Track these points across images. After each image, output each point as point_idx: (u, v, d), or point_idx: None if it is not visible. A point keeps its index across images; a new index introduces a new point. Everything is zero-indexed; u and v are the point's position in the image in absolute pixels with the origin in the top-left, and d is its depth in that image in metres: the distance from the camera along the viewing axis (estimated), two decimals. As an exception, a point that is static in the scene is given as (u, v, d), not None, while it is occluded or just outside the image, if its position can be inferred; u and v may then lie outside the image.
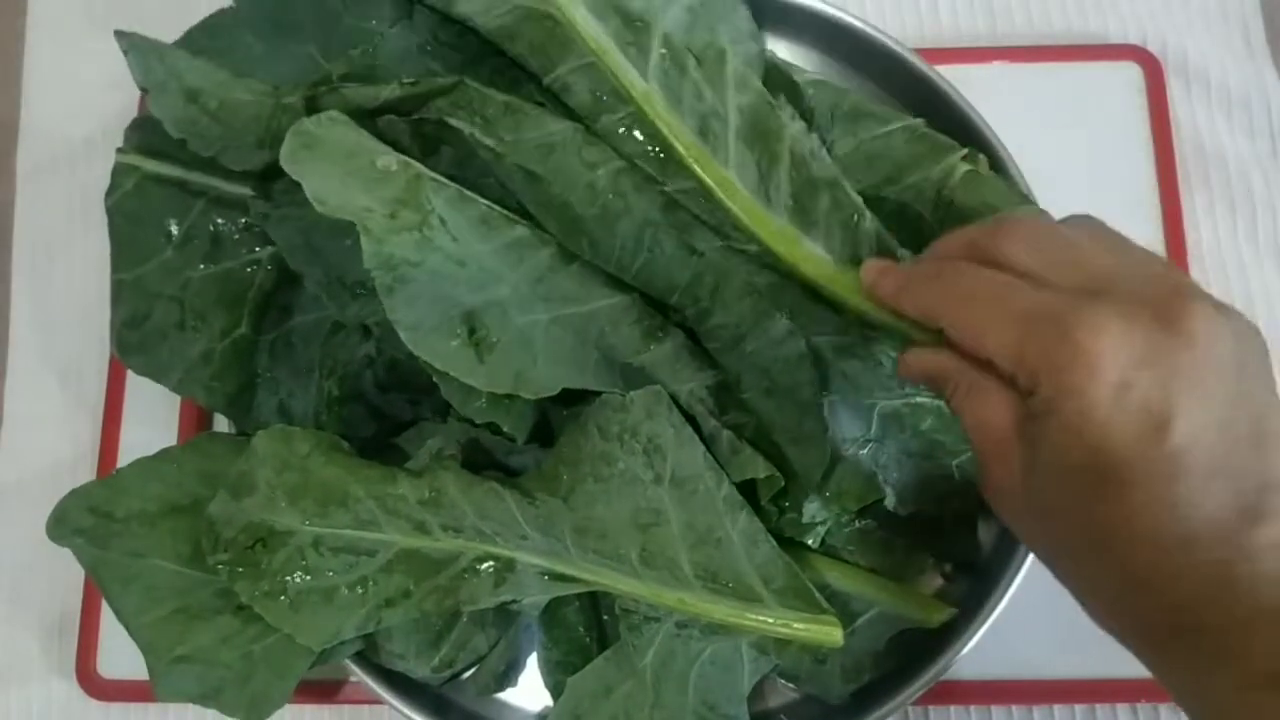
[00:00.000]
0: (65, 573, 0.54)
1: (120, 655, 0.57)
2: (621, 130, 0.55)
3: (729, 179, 0.53)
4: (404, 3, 0.59)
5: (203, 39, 0.62)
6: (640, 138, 0.55)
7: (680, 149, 0.53)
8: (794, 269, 0.54)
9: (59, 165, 0.74)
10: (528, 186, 0.52)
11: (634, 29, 0.54)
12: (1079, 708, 0.62)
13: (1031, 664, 0.62)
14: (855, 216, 0.54)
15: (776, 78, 0.60)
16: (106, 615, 0.55)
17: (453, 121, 0.53)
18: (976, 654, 0.56)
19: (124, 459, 0.66)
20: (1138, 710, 0.62)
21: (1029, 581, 0.56)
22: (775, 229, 0.53)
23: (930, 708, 0.63)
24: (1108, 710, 0.62)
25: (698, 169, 0.53)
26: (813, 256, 0.53)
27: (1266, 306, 0.67)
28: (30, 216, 0.73)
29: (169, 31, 0.61)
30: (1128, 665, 0.60)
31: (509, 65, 0.59)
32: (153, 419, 0.66)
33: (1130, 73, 0.70)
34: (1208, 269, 0.68)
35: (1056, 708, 0.62)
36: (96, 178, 0.61)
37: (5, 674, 0.66)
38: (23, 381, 0.71)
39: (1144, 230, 0.68)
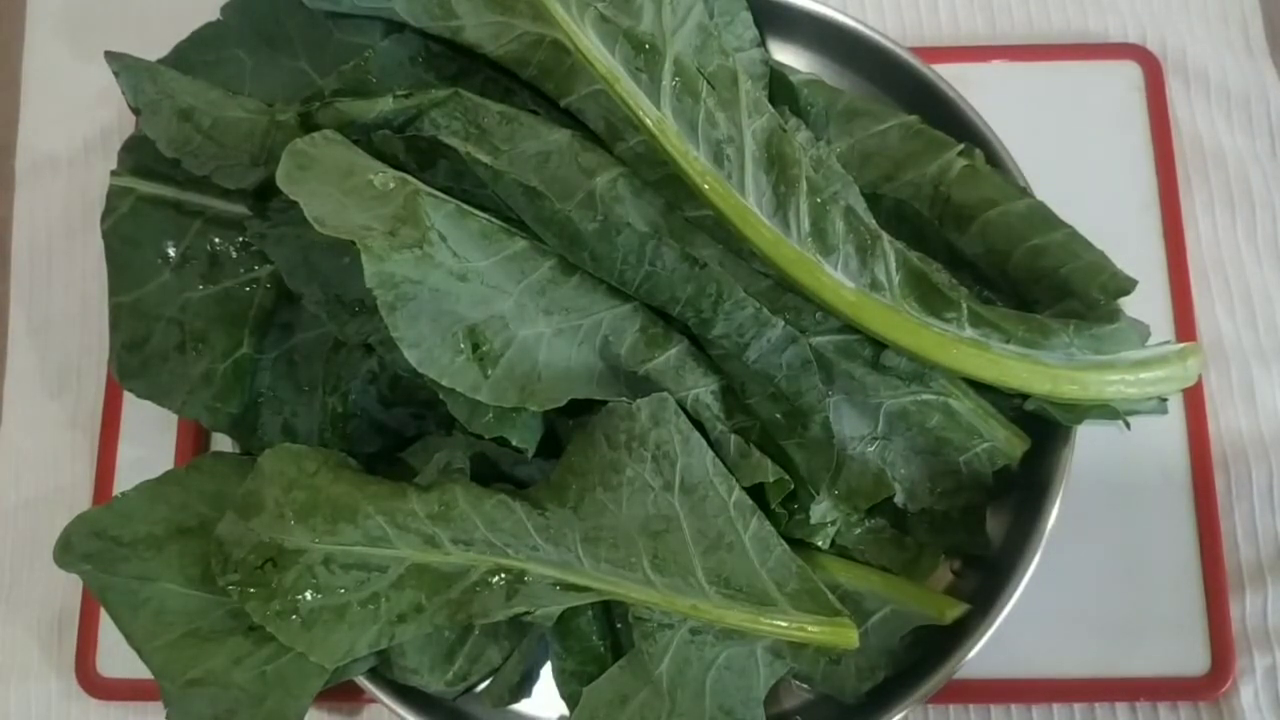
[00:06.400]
0: (65, 572, 0.55)
1: (119, 654, 0.57)
2: (638, 155, 0.55)
3: (748, 208, 0.53)
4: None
5: (192, 53, 0.62)
6: (656, 164, 0.55)
7: (695, 177, 0.53)
8: (814, 295, 0.54)
9: (58, 169, 0.74)
10: (527, 204, 0.52)
11: (644, 54, 0.54)
12: (1079, 707, 0.62)
13: (1031, 663, 0.62)
14: (871, 240, 0.54)
15: (776, 81, 0.60)
16: (106, 614, 0.56)
17: (448, 140, 0.53)
18: (977, 653, 0.56)
19: (123, 461, 0.67)
20: (1137, 710, 0.62)
21: (1030, 581, 0.57)
22: (794, 256, 0.53)
23: (930, 706, 0.63)
24: (1107, 710, 0.62)
25: (715, 199, 0.53)
26: (832, 283, 0.53)
27: (1266, 305, 0.68)
28: (28, 222, 0.73)
29: (168, 36, 0.61)
30: (1128, 665, 0.62)
31: (502, 74, 0.59)
32: (151, 422, 0.66)
33: (1130, 72, 0.70)
34: (1207, 267, 0.68)
35: (1056, 707, 0.63)
36: (95, 182, 0.60)
37: (5, 673, 0.66)
38: (21, 384, 0.71)
39: (1144, 229, 0.68)
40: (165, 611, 0.55)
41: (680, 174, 0.54)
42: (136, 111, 0.59)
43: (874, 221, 0.55)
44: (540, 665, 0.61)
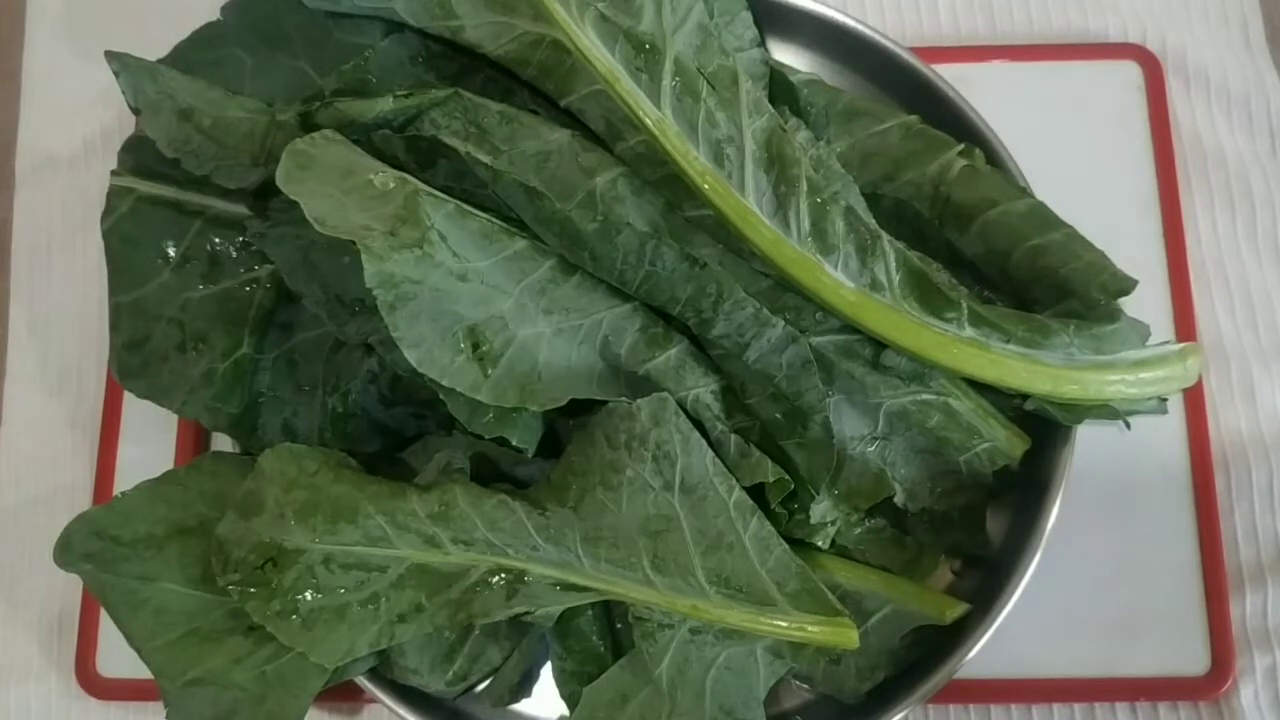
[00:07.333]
0: (65, 572, 0.55)
1: (119, 654, 0.57)
2: (639, 155, 0.55)
3: (748, 208, 0.53)
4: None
5: (192, 53, 0.62)
6: (656, 164, 0.55)
7: (695, 177, 0.54)
8: (814, 295, 0.54)
9: (58, 169, 0.74)
10: (527, 204, 0.52)
11: (644, 54, 0.54)
12: (1078, 707, 0.62)
13: (1031, 663, 0.62)
14: (871, 240, 0.54)
15: (776, 81, 0.60)
16: (106, 614, 0.56)
17: (449, 140, 0.53)
18: (977, 653, 0.56)
19: (123, 461, 0.67)
20: (1137, 710, 0.62)
21: (1030, 581, 0.57)
22: (795, 256, 0.53)
23: (930, 706, 0.63)
24: (1107, 710, 0.62)
25: (715, 199, 0.53)
26: (832, 283, 0.54)
27: (1266, 305, 0.68)
28: (28, 222, 0.73)
29: (168, 36, 0.61)
30: (1128, 665, 0.62)
31: (502, 74, 0.59)
32: (151, 422, 0.66)
33: (1130, 71, 0.70)
34: (1207, 267, 0.68)
35: (1056, 707, 0.63)
36: (95, 182, 0.60)
37: (4, 673, 0.66)
38: (22, 383, 0.71)
39: (1143, 229, 0.68)
40: (165, 611, 0.55)
41: (680, 174, 0.54)
42: (136, 111, 0.59)
43: (874, 221, 0.55)
44: (540, 665, 0.61)
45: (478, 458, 0.56)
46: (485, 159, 0.53)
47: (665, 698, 0.54)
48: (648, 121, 0.54)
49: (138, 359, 0.59)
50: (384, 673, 0.58)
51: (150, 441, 0.66)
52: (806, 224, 0.54)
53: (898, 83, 0.66)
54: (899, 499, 0.58)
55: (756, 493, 0.53)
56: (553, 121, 0.57)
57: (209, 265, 0.59)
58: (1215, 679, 0.61)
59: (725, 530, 0.53)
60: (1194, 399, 0.65)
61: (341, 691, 0.60)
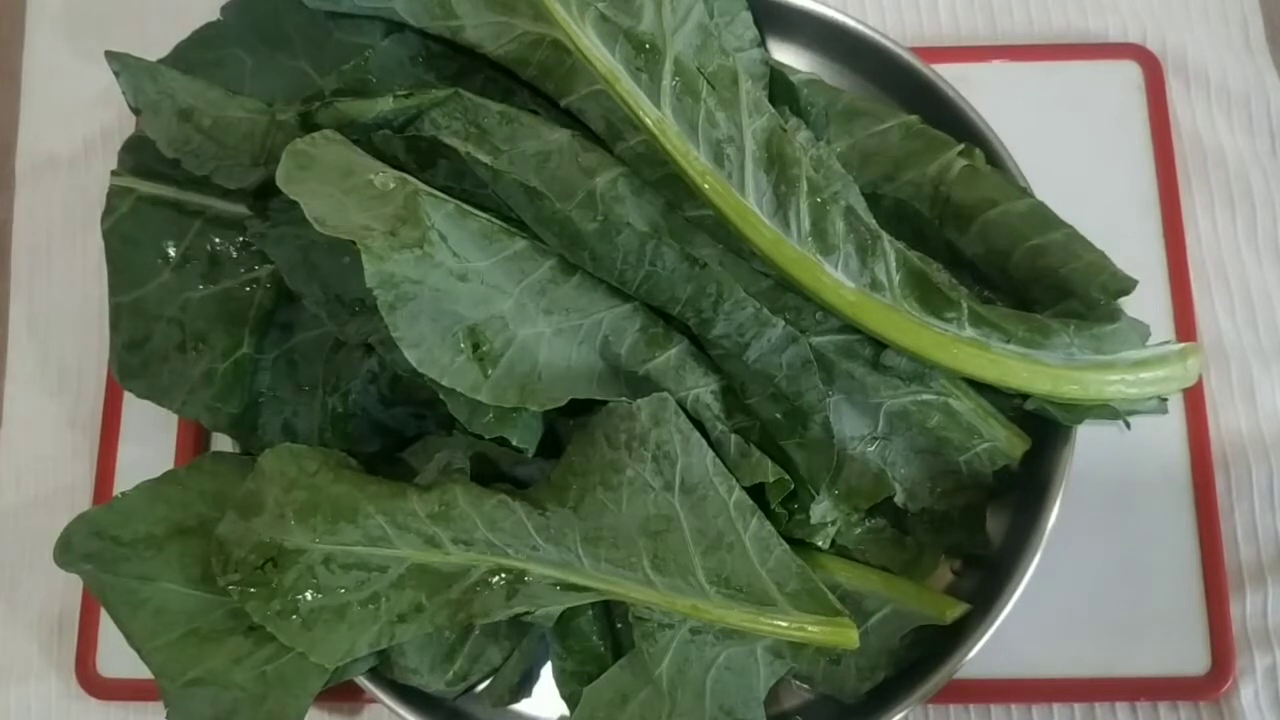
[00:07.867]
0: (65, 572, 0.56)
1: (120, 654, 0.57)
2: (639, 155, 0.55)
3: (748, 208, 0.53)
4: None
5: (192, 53, 0.62)
6: (656, 164, 0.55)
7: (695, 177, 0.54)
8: (814, 295, 0.54)
9: (58, 169, 0.74)
10: (527, 204, 0.52)
11: (644, 54, 0.54)
12: (1079, 707, 0.62)
13: (1031, 663, 0.62)
14: (871, 239, 0.54)
15: (776, 81, 0.60)
16: (106, 614, 0.56)
17: (449, 140, 0.53)
18: (977, 653, 0.56)
19: (123, 461, 0.67)
20: (1137, 709, 0.62)
21: (1030, 581, 0.57)
22: (795, 256, 0.53)
23: (930, 706, 0.63)
24: (1107, 710, 0.62)
25: (715, 199, 0.54)
26: (833, 283, 0.54)
27: (1266, 305, 0.68)
28: (28, 222, 0.73)
29: (168, 36, 0.61)
30: (1128, 665, 0.62)
31: (502, 74, 0.59)
32: (151, 422, 0.66)
33: (1130, 71, 0.70)
34: (1207, 267, 0.68)
35: (1056, 707, 0.63)
36: (95, 182, 0.61)
37: (4, 673, 0.66)
38: (22, 383, 0.71)
39: (1143, 228, 0.68)
40: (165, 611, 0.55)
41: (680, 174, 0.54)
42: (136, 111, 0.59)
43: (874, 221, 0.55)
44: (540, 665, 0.61)
45: (478, 458, 0.56)
46: (485, 159, 0.53)
47: (665, 698, 0.54)
48: (648, 121, 0.54)
49: (138, 359, 0.59)
50: (384, 673, 0.58)
51: (150, 441, 0.66)
52: (806, 224, 0.54)
53: (898, 83, 0.66)
54: (899, 499, 0.58)
55: (756, 493, 0.53)
56: (553, 121, 0.57)
57: (209, 265, 0.59)
58: (1215, 679, 0.61)
59: (725, 530, 0.53)
60: (1194, 399, 0.65)
61: (341, 691, 0.60)
